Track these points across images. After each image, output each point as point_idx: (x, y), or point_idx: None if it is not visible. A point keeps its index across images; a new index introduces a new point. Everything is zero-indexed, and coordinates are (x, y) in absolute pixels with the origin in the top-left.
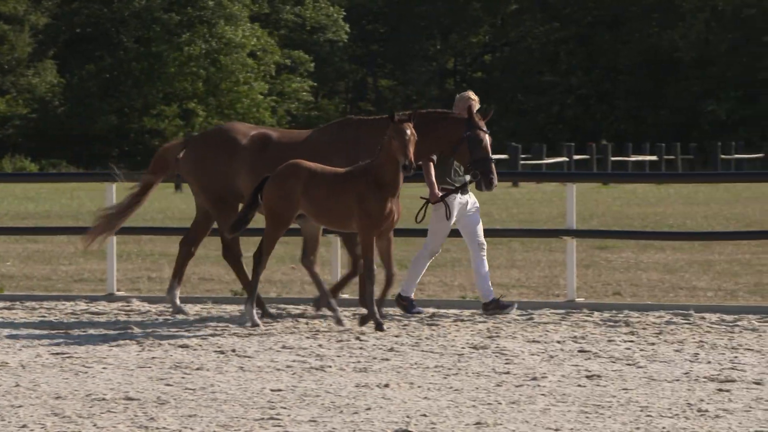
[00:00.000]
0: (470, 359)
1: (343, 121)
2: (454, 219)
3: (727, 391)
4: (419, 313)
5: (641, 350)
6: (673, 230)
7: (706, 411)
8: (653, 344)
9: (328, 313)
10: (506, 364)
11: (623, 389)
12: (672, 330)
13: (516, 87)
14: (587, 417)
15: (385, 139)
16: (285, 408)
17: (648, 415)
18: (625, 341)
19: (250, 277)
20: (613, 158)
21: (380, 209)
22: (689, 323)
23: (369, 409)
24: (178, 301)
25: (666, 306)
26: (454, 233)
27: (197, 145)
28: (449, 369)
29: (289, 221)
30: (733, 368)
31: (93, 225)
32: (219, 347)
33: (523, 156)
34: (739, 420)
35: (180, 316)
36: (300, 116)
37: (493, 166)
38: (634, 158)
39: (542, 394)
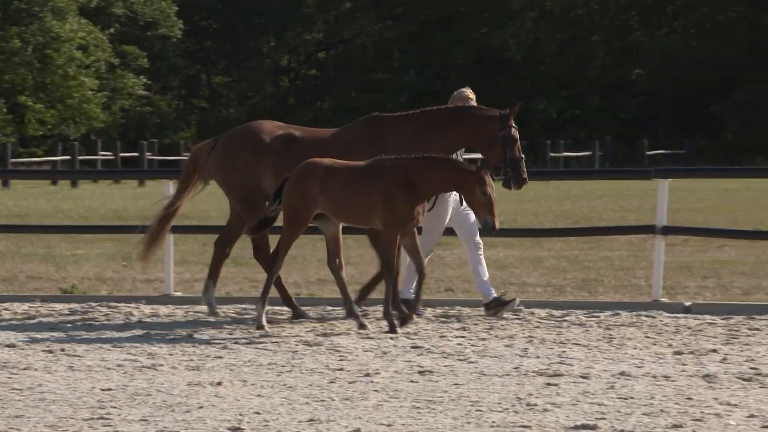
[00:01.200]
0: (304, 356)
1: (369, 118)
2: (449, 216)
3: (555, 385)
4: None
5: (472, 346)
6: (503, 227)
7: (535, 405)
8: (484, 340)
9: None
10: (340, 360)
11: (455, 384)
12: (502, 325)
13: (350, 85)
14: (419, 412)
15: (445, 167)
16: (115, 407)
17: (478, 410)
18: (456, 337)
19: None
20: None
21: (408, 209)
22: (519, 319)
23: (201, 407)
24: (214, 303)
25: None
26: (449, 231)
27: (225, 144)
28: (283, 366)
29: (306, 221)
30: (561, 363)
31: (141, 242)
32: (47, 346)
33: None
34: (566, 413)
35: (212, 318)
36: (133, 113)
37: (524, 165)
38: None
39: (375, 390)
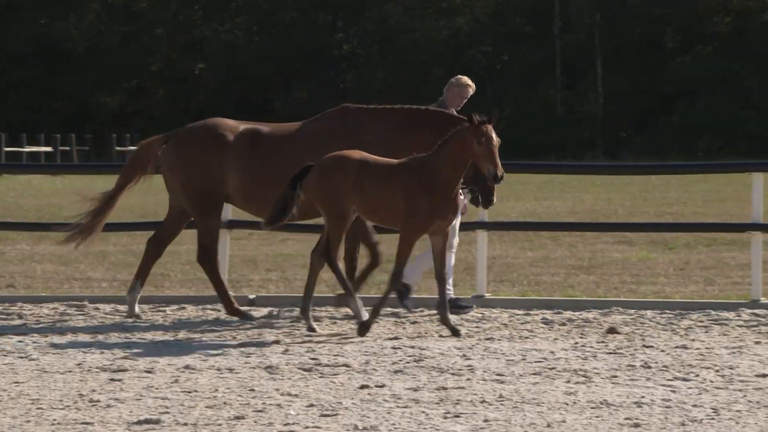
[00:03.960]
0: None
1: (341, 109)
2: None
3: (119, 380)
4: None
5: (34, 342)
6: (68, 221)
7: (98, 401)
8: (47, 336)
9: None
10: None
11: (14, 383)
12: (67, 321)
13: None
14: None
15: (454, 138)
16: None
17: (39, 408)
18: (18, 334)
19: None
20: (7, 149)
21: (429, 209)
22: (84, 314)
23: None
24: (136, 306)
25: (60, 297)
26: None
27: (182, 141)
28: None
29: (347, 213)
30: (125, 358)
31: (72, 228)
32: None
33: None
34: (129, 408)
35: (131, 320)
36: None
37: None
38: (28, 149)
39: None
